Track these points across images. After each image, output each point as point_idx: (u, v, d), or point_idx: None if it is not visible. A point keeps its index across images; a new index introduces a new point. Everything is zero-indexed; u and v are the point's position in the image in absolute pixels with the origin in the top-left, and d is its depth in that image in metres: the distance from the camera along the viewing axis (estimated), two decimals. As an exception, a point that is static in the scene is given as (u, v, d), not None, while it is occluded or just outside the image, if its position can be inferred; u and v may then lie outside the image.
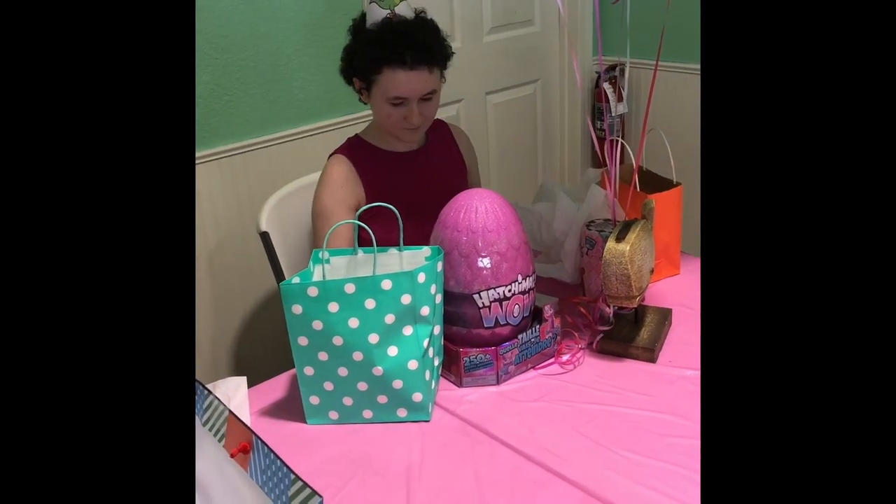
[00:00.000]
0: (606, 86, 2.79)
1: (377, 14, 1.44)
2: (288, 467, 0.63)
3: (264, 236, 1.74)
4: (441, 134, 1.68)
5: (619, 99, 2.80)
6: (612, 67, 2.79)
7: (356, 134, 1.62)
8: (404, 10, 1.45)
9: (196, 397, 0.75)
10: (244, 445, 0.69)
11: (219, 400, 0.74)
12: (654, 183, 1.59)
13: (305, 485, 0.61)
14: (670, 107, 2.65)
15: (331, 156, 1.59)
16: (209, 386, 1.00)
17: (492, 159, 2.75)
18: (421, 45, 1.43)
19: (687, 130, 2.32)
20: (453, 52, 1.54)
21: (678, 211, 1.55)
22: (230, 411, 0.72)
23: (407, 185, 1.54)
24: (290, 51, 2.05)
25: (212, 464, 0.75)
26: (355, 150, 1.57)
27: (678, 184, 1.54)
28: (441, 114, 2.47)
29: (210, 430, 0.74)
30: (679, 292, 1.53)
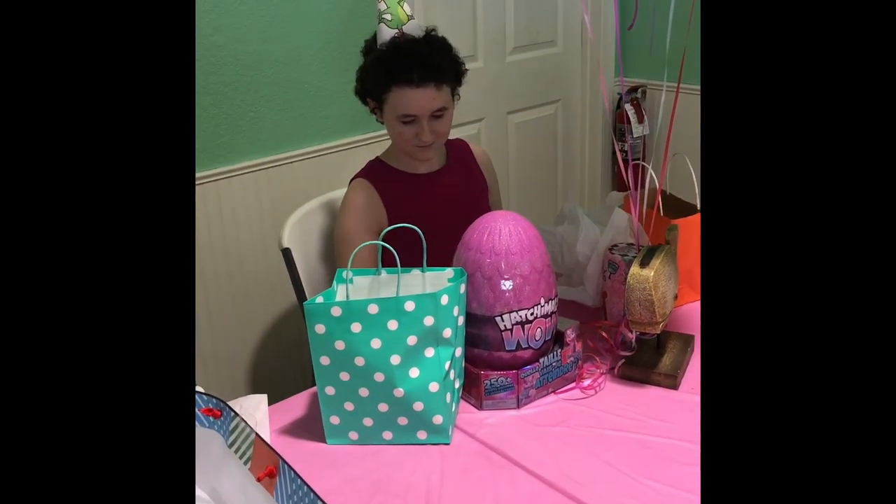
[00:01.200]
0: (628, 107, 2.79)
1: (386, 34, 1.47)
2: (315, 493, 0.63)
3: (286, 252, 1.75)
4: (462, 153, 1.68)
5: (640, 120, 2.80)
6: (634, 89, 2.79)
7: (377, 157, 1.63)
8: (413, 29, 1.47)
9: (222, 419, 0.76)
10: (271, 469, 0.69)
11: (245, 422, 0.74)
12: (677, 207, 1.58)
13: (332, 511, 0.61)
14: (692, 129, 2.65)
15: (352, 180, 1.60)
16: (230, 403, 1.00)
17: (511, 179, 2.75)
18: (427, 62, 1.44)
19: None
20: (466, 69, 1.55)
21: (699, 236, 1.54)
22: (257, 434, 0.72)
23: (428, 207, 1.54)
24: (314, 68, 2.07)
25: (236, 485, 0.75)
26: (376, 173, 1.58)
27: (702, 209, 1.54)
28: (462, 132, 2.49)
29: (236, 452, 0.74)
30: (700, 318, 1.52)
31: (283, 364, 2.15)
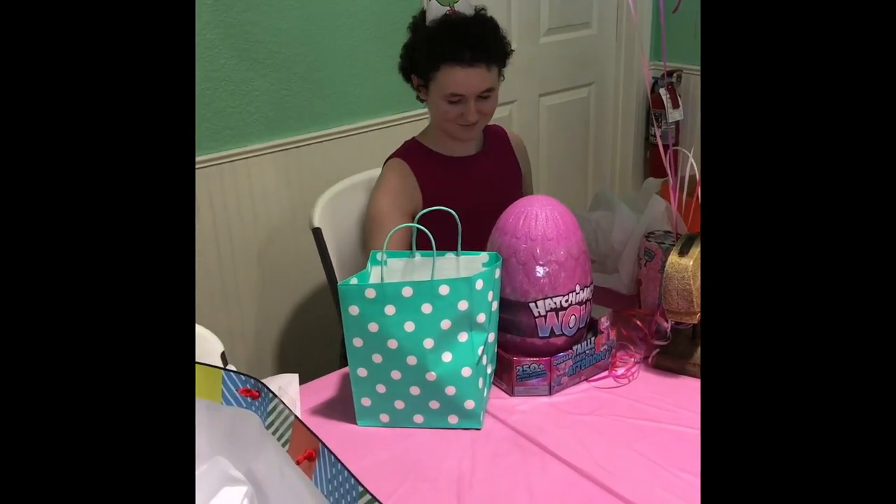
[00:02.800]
0: (663, 91, 2.74)
1: (436, 11, 1.44)
2: (356, 479, 0.62)
3: (316, 232, 1.74)
4: (498, 139, 1.66)
5: (675, 105, 2.75)
6: (670, 73, 2.75)
7: (413, 137, 1.62)
8: (464, 7, 1.45)
9: (260, 400, 0.75)
10: (310, 453, 0.68)
11: (284, 404, 0.74)
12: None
13: (374, 498, 0.60)
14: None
15: (388, 160, 1.58)
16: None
17: (542, 162, 2.73)
18: (479, 42, 1.42)
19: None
20: (512, 51, 1.53)
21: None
22: (296, 417, 0.71)
23: (463, 190, 1.53)
24: (347, 47, 2.05)
25: (273, 467, 0.75)
26: (413, 153, 1.56)
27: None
28: (494, 115, 2.46)
29: (273, 433, 0.74)
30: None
31: (313, 344, 2.15)
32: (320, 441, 0.67)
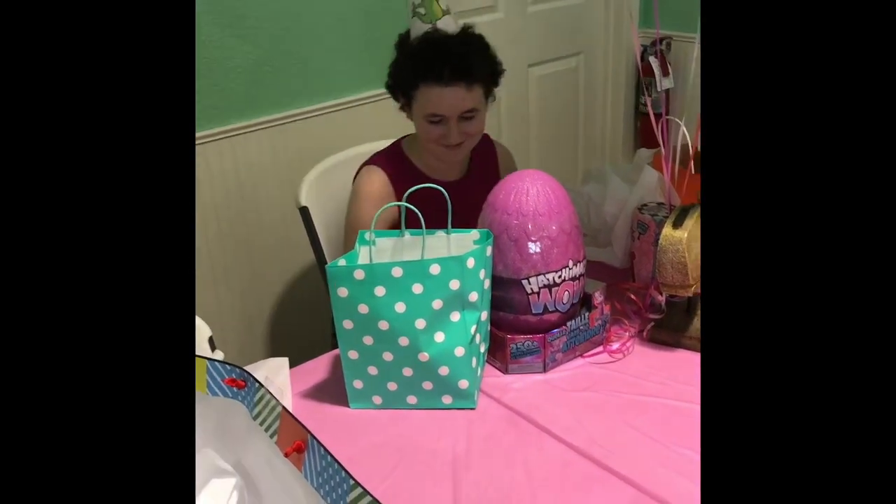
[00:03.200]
0: (653, 59, 2.70)
1: (419, 28, 1.42)
2: (346, 471, 0.60)
3: (303, 211, 1.71)
4: (486, 161, 1.59)
5: (665, 73, 2.72)
6: (660, 41, 2.71)
7: (399, 141, 1.56)
8: (447, 25, 1.41)
9: (246, 389, 0.73)
10: (299, 444, 0.66)
11: (270, 394, 0.71)
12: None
13: (366, 491, 0.58)
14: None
15: (366, 164, 1.53)
16: (250, 367, 0.97)
17: (532, 133, 2.69)
18: (460, 60, 1.37)
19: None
20: (504, 70, 1.48)
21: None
22: (283, 407, 0.69)
23: (443, 215, 1.46)
24: (331, 22, 2.01)
25: (262, 458, 0.73)
26: (395, 165, 1.51)
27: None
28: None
29: (261, 424, 0.72)
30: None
31: (303, 325, 2.13)
32: (309, 432, 0.65)
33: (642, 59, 2.75)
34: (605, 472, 1.03)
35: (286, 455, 0.67)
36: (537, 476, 1.03)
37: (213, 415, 0.76)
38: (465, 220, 1.28)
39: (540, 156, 2.70)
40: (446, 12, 1.43)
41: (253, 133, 1.96)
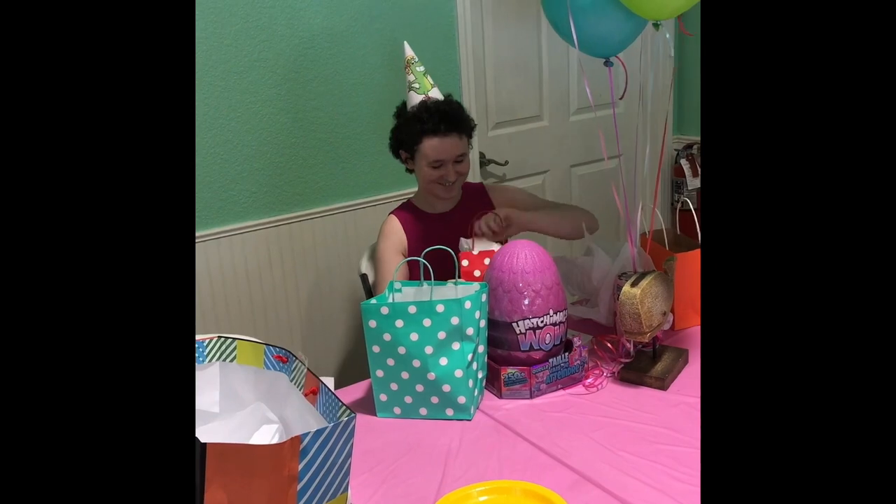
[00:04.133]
0: (684, 162, 3.06)
1: (415, 99, 1.88)
2: (339, 399, 0.97)
3: (363, 277, 2.14)
4: (474, 194, 2.04)
5: (695, 174, 3.06)
6: (689, 146, 3.06)
7: (409, 199, 2.05)
8: (436, 94, 1.88)
9: (287, 364, 1.11)
10: (314, 389, 1.03)
11: (302, 363, 1.09)
12: (686, 244, 1.86)
13: (347, 408, 0.95)
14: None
15: (389, 214, 2.02)
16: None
17: (574, 224, 3.06)
18: (451, 117, 1.85)
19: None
20: (475, 124, 1.95)
21: (703, 268, 1.81)
22: (308, 368, 1.07)
23: (439, 237, 1.83)
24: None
25: (297, 411, 1.10)
26: (404, 210, 2.01)
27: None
28: (527, 183, 2.84)
29: (296, 385, 1.09)
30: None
31: (354, 360, 2.52)
32: (320, 380, 1.02)
33: (675, 161, 3.12)
34: (558, 463, 1.35)
35: (305, 395, 1.04)
36: (506, 464, 1.36)
37: (265, 381, 1.14)
38: (453, 242, 1.72)
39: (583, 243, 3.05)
40: (434, 85, 1.88)
41: (329, 217, 2.42)
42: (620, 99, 1.76)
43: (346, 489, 0.95)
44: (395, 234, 1.97)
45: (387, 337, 1.49)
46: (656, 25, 1.61)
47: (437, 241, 1.74)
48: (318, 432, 0.87)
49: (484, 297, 1.54)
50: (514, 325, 1.56)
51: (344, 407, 0.94)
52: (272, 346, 1.14)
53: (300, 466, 0.87)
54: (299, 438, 0.86)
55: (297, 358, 1.11)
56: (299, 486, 0.87)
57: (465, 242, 1.82)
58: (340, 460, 0.91)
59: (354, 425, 0.91)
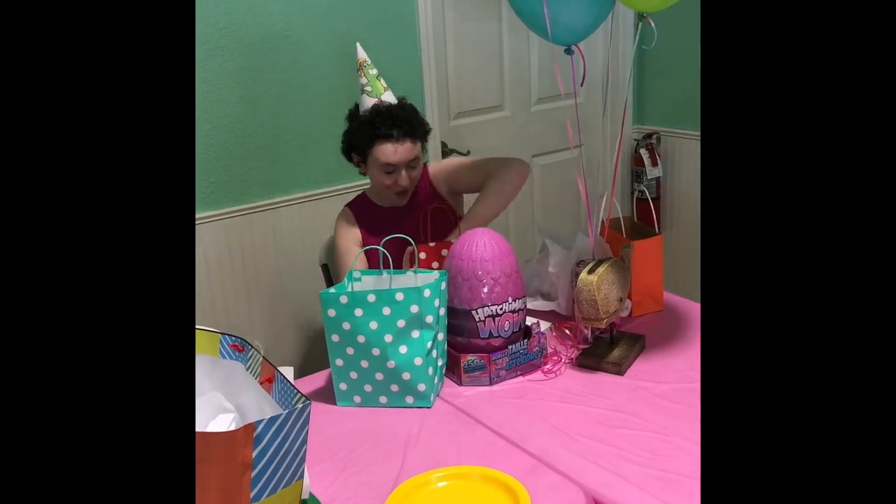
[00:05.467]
0: (643, 151, 3.10)
1: (367, 102, 1.83)
2: (295, 387, 0.97)
3: (324, 267, 2.13)
4: (424, 187, 1.98)
5: (654, 164, 3.10)
6: (649, 135, 3.10)
7: (364, 191, 2.03)
8: (389, 97, 1.84)
9: (243, 352, 1.11)
10: (269, 377, 1.03)
11: (257, 351, 1.09)
12: (644, 232, 1.89)
13: (302, 395, 0.95)
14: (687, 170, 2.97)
15: (344, 207, 2.00)
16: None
17: (537, 216, 3.08)
18: (404, 122, 1.80)
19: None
20: (430, 129, 1.92)
21: (659, 256, 1.84)
22: (263, 356, 1.07)
23: (393, 229, 1.79)
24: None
25: (253, 400, 1.10)
26: (357, 203, 1.99)
27: (660, 233, 1.84)
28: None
29: (252, 374, 1.09)
30: (658, 324, 1.81)
31: (314, 350, 2.52)
32: (276, 368, 1.02)
33: (635, 151, 3.15)
34: (517, 448, 1.36)
35: (261, 384, 1.04)
36: (464, 449, 1.37)
37: (221, 371, 1.13)
38: (407, 233, 1.70)
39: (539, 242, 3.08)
40: (387, 88, 1.85)
41: (292, 206, 2.41)
42: (580, 86, 1.77)
43: (301, 476, 0.95)
44: (351, 227, 1.95)
45: (346, 326, 1.50)
46: (641, 17, 1.61)
47: (391, 233, 1.74)
48: (272, 419, 0.88)
49: (443, 286, 1.55)
50: (474, 312, 1.57)
51: (299, 394, 0.94)
52: (228, 335, 1.13)
53: (254, 454, 0.87)
54: (253, 426, 0.86)
55: (252, 346, 1.10)
56: (253, 474, 0.87)
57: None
58: (295, 447, 0.91)
59: (309, 412, 0.91)
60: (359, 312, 1.49)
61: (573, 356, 1.66)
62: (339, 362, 1.53)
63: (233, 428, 1.11)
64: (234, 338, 1.13)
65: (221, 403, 1.14)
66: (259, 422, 0.87)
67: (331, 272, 2.10)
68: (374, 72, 1.86)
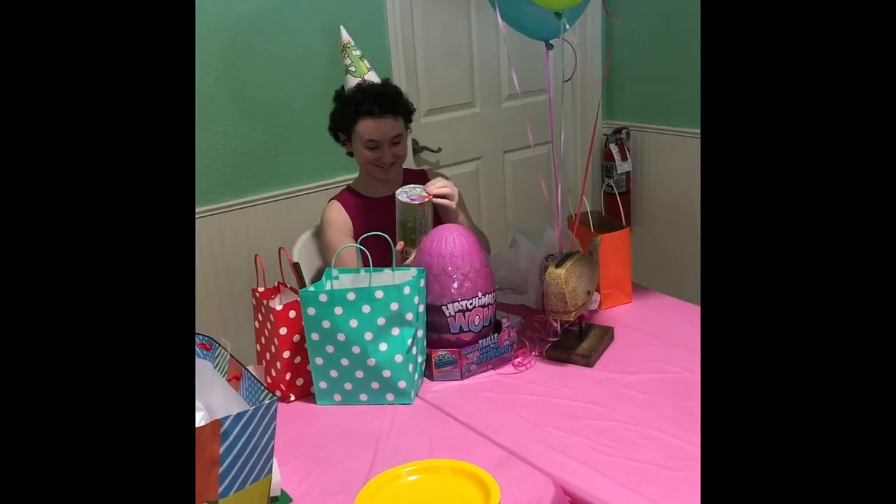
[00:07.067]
0: (613, 146, 3.13)
1: (351, 82, 1.90)
2: (261, 383, 0.98)
3: (296, 266, 2.13)
4: (416, 179, 2.03)
5: (624, 158, 3.13)
6: (619, 130, 3.13)
7: (348, 185, 2.03)
8: (372, 77, 1.90)
9: (211, 351, 1.11)
10: (237, 375, 1.04)
11: (225, 349, 1.10)
12: (611, 226, 1.91)
13: (269, 392, 0.95)
14: (671, 166, 2.99)
15: (329, 201, 1.99)
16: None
17: (508, 212, 3.10)
18: (386, 99, 1.85)
19: (678, 184, 2.67)
20: (415, 109, 1.97)
21: (627, 249, 1.86)
22: (230, 354, 1.07)
23: (382, 221, 1.84)
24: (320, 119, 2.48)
25: (221, 398, 1.10)
26: (345, 196, 2.00)
27: (627, 227, 1.87)
28: (461, 169, 2.86)
29: (220, 372, 1.10)
30: (627, 316, 1.84)
31: None
32: (243, 366, 1.03)
33: (605, 146, 3.18)
34: (487, 441, 1.38)
35: (229, 381, 1.05)
36: (435, 444, 1.38)
37: (191, 370, 1.14)
38: (395, 226, 1.74)
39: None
40: (370, 69, 1.90)
41: (261, 206, 2.40)
42: (568, 81, 1.79)
43: (269, 472, 0.96)
44: (341, 219, 1.95)
45: (326, 324, 1.50)
46: (558, 15, 1.63)
47: (379, 224, 1.75)
48: (239, 416, 0.88)
49: (422, 283, 1.55)
50: (444, 308, 1.59)
51: (266, 391, 0.95)
52: (196, 333, 1.14)
53: (221, 450, 0.87)
54: (219, 422, 0.87)
55: (220, 345, 1.11)
56: (221, 469, 0.88)
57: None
58: (263, 443, 0.92)
59: (276, 408, 0.92)
60: (338, 311, 1.49)
61: (542, 349, 1.68)
62: (319, 361, 1.53)
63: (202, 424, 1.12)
64: (201, 336, 1.13)
65: (191, 402, 1.14)
66: (226, 418, 0.87)
67: (317, 269, 2.09)
68: (357, 52, 1.90)
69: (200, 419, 1.13)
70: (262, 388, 0.96)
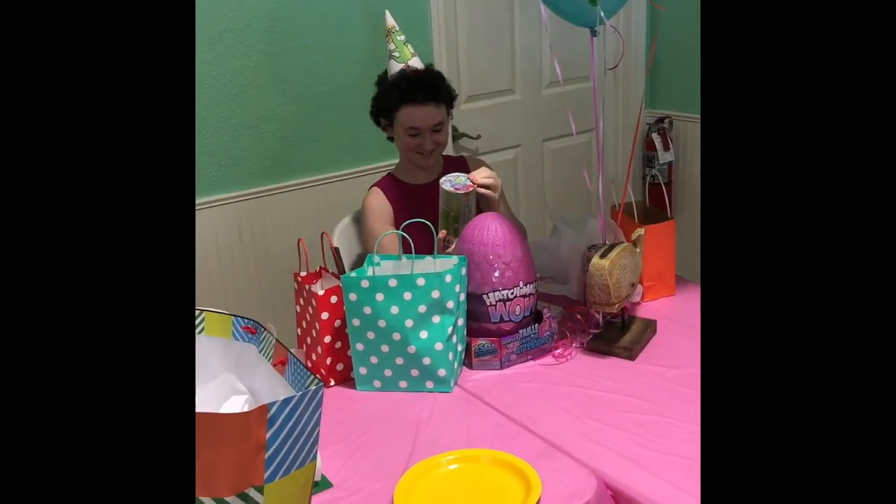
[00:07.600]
0: (655, 136, 3.08)
1: (395, 67, 1.88)
2: (307, 368, 0.97)
3: (336, 251, 2.13)
4: (456, 167, 2.01)
5: (666, 148, 3.08)
6: (661, 119, 3.08)
7: (389, 172, 2.03)
8: (416, 63, 1.87)
9: (256, 335, 1.11)
10: (283, 359, 1.04)
11: (271, 334, 1.10)
12: (655, 217, 1.88)
13: (315, 377, 0.95)
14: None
15: (369, 188, 1.99)
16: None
17: (547, 200, 3.07)
18: (428, 86, 1.83)
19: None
20: (457, 95, 1.94)
21: (671, 241, 1.83)
22: (276, 339, 1.07)
23: (422, 208, 1.83)
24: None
25: (265, 382, 1.10)
26: (386, 182, 1.98)
27: (671, 218, 1.83)
28: (500, 157, 2.84)
29: (265, 356, 1.10)
30: (670, 309, 1.81)
31: None
32: (289, 350, 1.02)
33: (646, 135, 3.13)
34: (527, 432, 1.37)
35: (274, 366, 1.05)
36: (475, 434, 1.37)
37: (234, 353, 1.14)
38: (435, 213, 1.73)
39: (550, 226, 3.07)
40: (414, 54, 1.88)
41: (300, 190, 2.41)
42: (612, 69, 1.76)
43: (314, 458, 0.96)
44: (382, 206, 1.94)
45: (367, 310, 1.49)
46: (593, 2, 1.59)
47: (420, 211, 1.74)
48: (286, 401, 0.88)
49: (463, 271, 1.54)
50: (485, 296, 1.57)
51: (312, 376, 0.95)
52: (240, 317, 1.14)
53: (268, 435, 0.87)
54: (266, 407, 0.87)
55: (265, 329, 1.11)
56: (267, 455, 0.88)
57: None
58: (308, 429, 0.92)
59: (322, 394, 0.92)
60: (380, 297, 1.48)
61: (584, 341, 1.66)
62: (360, 347, 1.53)
63: (246, 409, 1.12)
64: (246, 320, 1.13)
65: (234, 385, 1.15)
66: (273, 403, 0.87)
67: (357, 256, 2.09)
68: (401, 38, 1.89)
69: (244, 403, 1.13)
70: (309, 373, 0.96)
